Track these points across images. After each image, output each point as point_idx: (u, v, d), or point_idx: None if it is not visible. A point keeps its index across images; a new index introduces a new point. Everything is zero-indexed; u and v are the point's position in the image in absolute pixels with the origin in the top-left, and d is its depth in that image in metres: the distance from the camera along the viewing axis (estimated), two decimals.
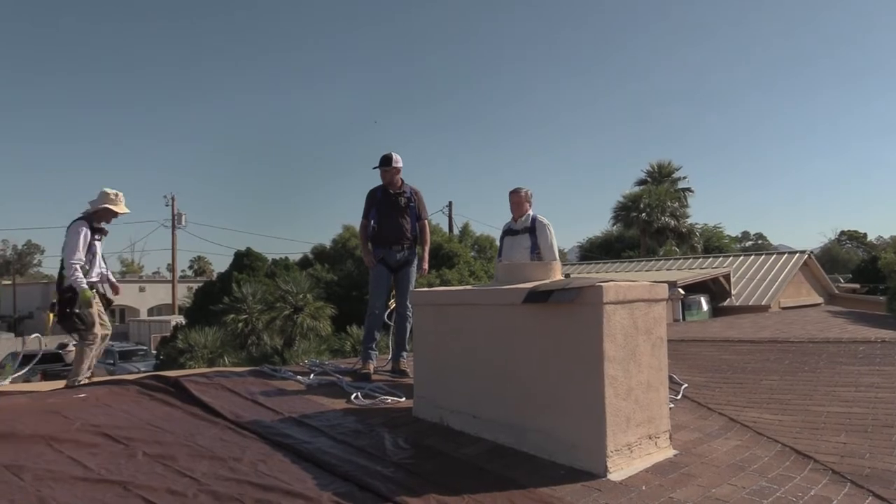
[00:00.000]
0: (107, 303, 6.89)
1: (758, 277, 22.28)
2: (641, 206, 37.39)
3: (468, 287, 5.45)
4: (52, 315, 6.52)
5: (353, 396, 5.50)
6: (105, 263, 6.95)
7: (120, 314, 52.83)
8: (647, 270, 25.29)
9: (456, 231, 33.17)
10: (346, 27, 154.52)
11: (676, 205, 38.75)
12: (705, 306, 18.94)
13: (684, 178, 42.73)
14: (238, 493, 3.46)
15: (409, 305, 6.50)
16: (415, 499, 3.44)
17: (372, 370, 6.38)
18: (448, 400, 4.80)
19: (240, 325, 18.40)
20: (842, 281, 36.16)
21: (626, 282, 4.16)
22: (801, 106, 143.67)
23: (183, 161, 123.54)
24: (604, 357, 3.86)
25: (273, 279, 21.71)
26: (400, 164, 6.61)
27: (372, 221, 6.67)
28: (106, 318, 6.82)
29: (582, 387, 3.94)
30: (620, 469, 3.89)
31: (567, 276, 5.16)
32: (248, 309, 18.61)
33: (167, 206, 42.39)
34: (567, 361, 4.02)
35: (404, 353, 6.66)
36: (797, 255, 23.69)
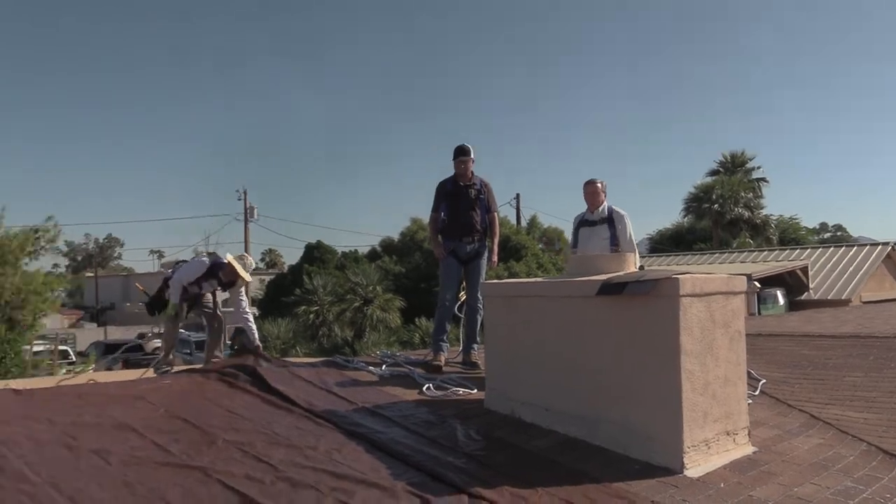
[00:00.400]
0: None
1: (837, 270, 21.52)
2: (714, 196, 36.56)
3: (540, 279, 5.43)
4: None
5: (424, 388, 5.54)
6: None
7: None
8: (720, 263, 24.71)
9: (524, 223, 33.00)
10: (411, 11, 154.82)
11: (750, 195, 37.73)
12: (781, 300, 18.42)
13: (758, 167, 41.58)
14: (314, 480, 3.53)
15: (480, 297, 6.51)
16: (488, 490, 3.45)
17: (443, 362, 6.40)
18: (519, 392, 4.79)
19: (311, 316, 18.71)
20: None
21: (702, 274, 4.07)
22: (882, 92, 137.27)
23: (253, 155, 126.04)
24: (680, 350, 3.79)
25: (343, 271, 22.02)
26: (473, 156, 6.64)
27: (442, 214, 6.69)
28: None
29: (657, 380, 3.88)
30: (697, 465, 3.82)
31: (641, 268, 5.07)
32: (319, 301, 18.91)
33: (239, 200, 43.37)
34: (642, 354, 3.96)
35: (475, 346, 6.67)
36: (879, 246, 22.81)
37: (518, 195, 35.24)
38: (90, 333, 40.17)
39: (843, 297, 19.50)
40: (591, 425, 4.22)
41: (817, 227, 73.99)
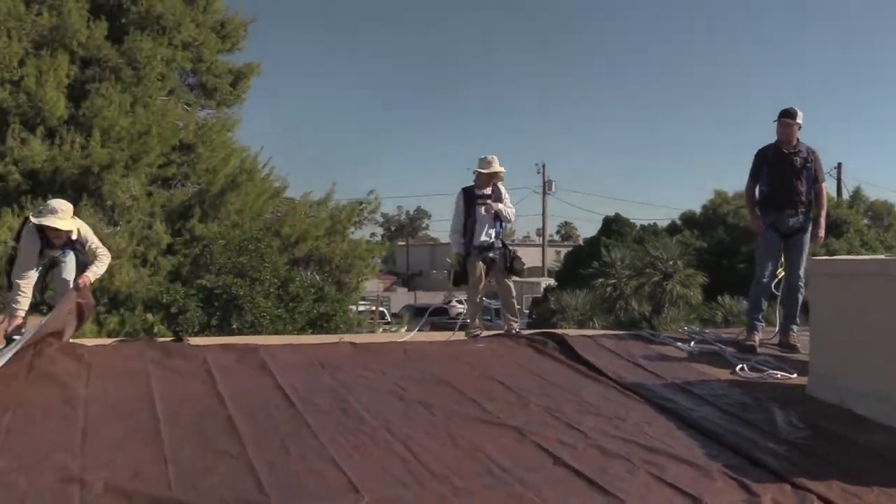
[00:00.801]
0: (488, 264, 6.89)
1: None
2: None
3: (881, 256, 4.88)
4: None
5: (738, 368, 5.30)
6: (495, 227, 6.89)
7: None
8: None
9: (846, 196, 29.78)
10: None
11: None
12: None
13: None
14: (625, 451, 3.55)
15: (802, 276, 6.01)
16: (815, 482, 3.21)
17: (758, 342, 6.04)
18: (850, 380, 4.37)
19: (608, 289, 18.62)
20: None
21: None
22: None
23: (554, 130, 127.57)
24: None
25: (641, 245, 21.61)
26: (801, 121, 6.10)
27: (761, 184, 6.25)
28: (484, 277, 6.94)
29: None
30: None
31: None
32: (617, 274, 18.73)
33: (538, 173, 44.45)
34: None
35: (794, 327, 6.19)
36: None
37: (840, 164, 32.02)
38: (402, 297, 43.96)
39: None
40: None
41: None
